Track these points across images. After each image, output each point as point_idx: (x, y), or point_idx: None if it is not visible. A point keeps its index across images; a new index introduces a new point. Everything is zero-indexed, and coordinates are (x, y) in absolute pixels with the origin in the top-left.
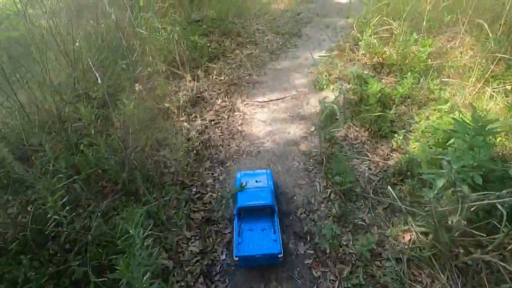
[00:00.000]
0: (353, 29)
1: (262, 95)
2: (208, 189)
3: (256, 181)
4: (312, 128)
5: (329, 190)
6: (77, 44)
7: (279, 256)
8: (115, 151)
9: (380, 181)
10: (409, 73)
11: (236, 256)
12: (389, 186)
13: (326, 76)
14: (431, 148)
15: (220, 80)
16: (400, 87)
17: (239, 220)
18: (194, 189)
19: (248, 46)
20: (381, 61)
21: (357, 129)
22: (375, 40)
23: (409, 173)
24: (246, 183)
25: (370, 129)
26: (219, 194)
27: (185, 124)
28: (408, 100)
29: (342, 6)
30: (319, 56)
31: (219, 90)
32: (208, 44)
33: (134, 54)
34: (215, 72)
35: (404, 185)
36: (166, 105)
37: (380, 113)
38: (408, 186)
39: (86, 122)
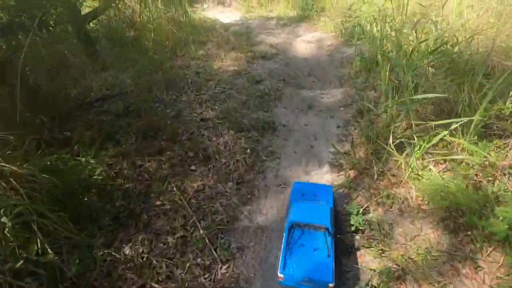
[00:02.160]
0: (349, 108)
1: None
2: None
3: (315, 195)
4: None
5: None
6: None
7: (330, 285)
8: None
9: None
10: None
11: (281, 273)
12: None
13: (372, 259)
14: None
15: None
16: None
17: (290, 232)
18: None
19: (193, 168)
20: (450, 206)
21: None
22: (434, 171)
23: None
24: (303, 195)
25: None
26: None
27: None
28: None
29: (311, 65)
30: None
31: None
32: (115, 171)
33: None
34: None
35: None
36: None
37: None
38: None
39: None
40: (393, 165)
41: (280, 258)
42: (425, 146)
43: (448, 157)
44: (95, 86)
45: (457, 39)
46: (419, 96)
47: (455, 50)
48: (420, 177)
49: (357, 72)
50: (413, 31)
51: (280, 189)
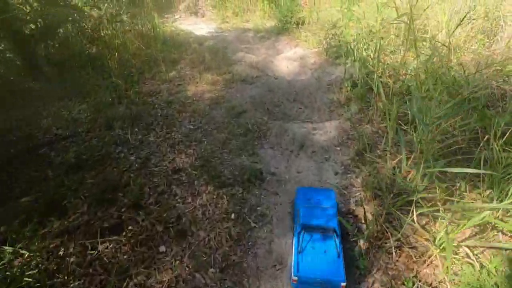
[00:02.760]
0: (345, 147)
1: None
2: None
3: (319, 200)
4: None
5: None
6: None
7: (342, 285)
8: None
9: None
10: None
11: (295, 276)
12: None
13: None
14: None
15: None
16: None
17: (300, 236)
18: None
19: (162, 250)
20: None
21: None
22: (469, 253)
23: None
24: (308, 200)
25: None
26: None
27: None
28: None
29: (296, 89)
30: None
31: None
32: (57, 262)
33: None
34: None
35: None
36: None
37: None
38: None
39: None
40: (408, 231)
41: (293, 261)
42: (462, 227)
43: (489, 244)
44: (43, 124)
45: (463, 67)
46: (453, 170)
47: (453, 74)
48: (443, 252)
49: (347, 99)
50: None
51: (275, 272)
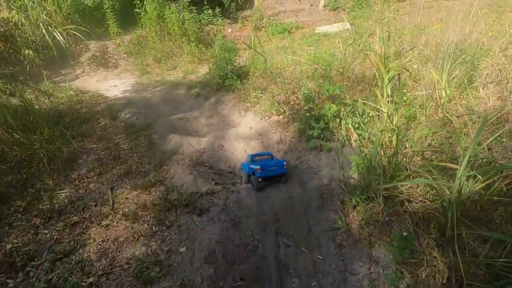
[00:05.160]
0: None
1: None
2: None
3: (265, 156)
4: None
5: None
6: None
7: (284, 163)
8: None
9: None
10: None
11: (258, 165)
12: None
13: None
14: None
15: None
16: None
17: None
18: None
19: None
20: None
21: None
22: None
23: None
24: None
25: None
26: None
27: None
28: None
29: (274, 208)
30: None
31: None
32: None
33: None
34: None
35: None
36: None
37: None
38: None
39: None
40: None
41: (251, 165)
42: None
43: None
44: None
45: None
46: None
47: None
48: None
49: (363, 229)
50: None
51: None
